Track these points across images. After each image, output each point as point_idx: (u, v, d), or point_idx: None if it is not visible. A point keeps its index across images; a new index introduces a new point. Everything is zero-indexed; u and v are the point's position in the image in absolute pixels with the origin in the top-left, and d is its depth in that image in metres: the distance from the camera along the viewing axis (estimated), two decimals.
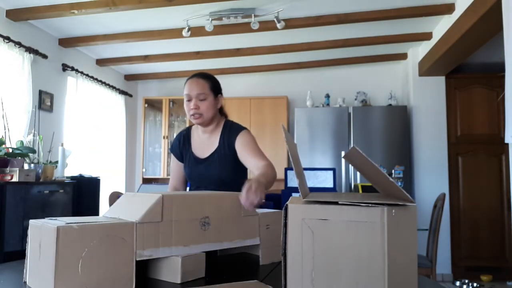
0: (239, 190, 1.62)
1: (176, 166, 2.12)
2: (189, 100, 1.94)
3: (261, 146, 2.10)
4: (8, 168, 2.93)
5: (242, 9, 3.53)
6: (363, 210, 0.73)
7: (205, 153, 2.03)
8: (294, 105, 5.45)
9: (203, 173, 2.01)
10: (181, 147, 2.09)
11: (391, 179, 0.78)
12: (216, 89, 1.99)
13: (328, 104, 5.12)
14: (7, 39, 3.39)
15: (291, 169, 3.19)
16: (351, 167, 4.71)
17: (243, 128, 2.04)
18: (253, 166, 1.92)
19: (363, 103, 5.08)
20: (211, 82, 1.97)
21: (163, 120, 5.56)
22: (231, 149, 1.98)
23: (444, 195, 3.55)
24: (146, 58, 4.80)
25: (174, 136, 5.67)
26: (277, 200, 3.49)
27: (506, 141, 2.44)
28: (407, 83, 5.08)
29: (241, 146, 1.97)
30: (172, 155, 2.14)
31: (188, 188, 2.19)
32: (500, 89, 4.53)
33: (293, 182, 3.39)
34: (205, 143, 2.05)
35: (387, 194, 0.89)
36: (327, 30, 4.11)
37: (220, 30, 3.88)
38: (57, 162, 3.49)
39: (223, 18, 3.61)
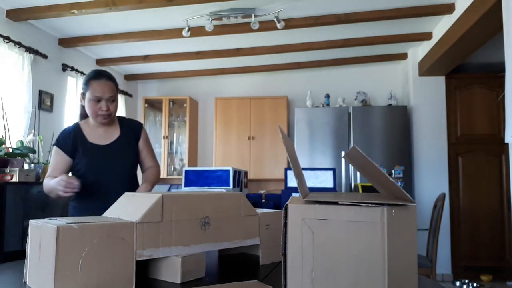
0: (135, 177, 2.14)
1: (63, 161, 2.00)
2: (98, 101, 1.96)
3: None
4: (8, 168, 2.93)
5: (242, 9, 3.53)
6: (363, 210, 0.73)
7: (105, 142, 2.05)
8: (294, 105, 5.45)
9: (104, 160, 2.01)
10: (73, 141, 2.01)
11: (391, 179, 0.78)
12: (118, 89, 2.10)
13: (328, 104, 5.12)
14: (7, 39, 3.39)
15: (291, 169, 3.20)
16: (351, 167, 4.71)
17: (141, 123, 2.21)
18: (147, 165, 2.16)
19: (363, 103, 5.08)
20: (116, 84, 2.06)
21: (163, 120, 5.56)
22: (136, 137, 2.10)
23: (444, 195, 3.55)
24: (146, 58, 4.80)
25: (176, 137, 5.65)
26: (277, 200, 3.50)
27: (506, 141, 2.44)
28: (407, 83, 5.08)
29: (144, 143, 2.13)
30: (57, 150, 2.01)
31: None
32: (500, 89, 4.53)
33: (293, 182, 3.39)
34: (102, 135, 2.06)
35: (387, 194, 0.89)
36: (327, 30, 4.12)
37: (220, 30, 3.88)
38: None
39: (223, 18, 3.61)
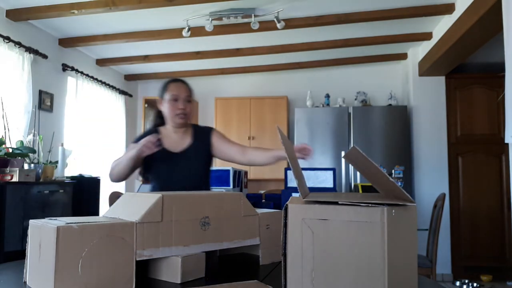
0: (207, 184, 2.16)
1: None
2: (176, 100, 2.06)
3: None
4: (8, 168, 2.92)
5: (242, 9, 3.53)
6: (363, 210, 0.73)
7: (178, 148, 2.08)
8: (294, 105, 5.45)
9: (174, 167, 2.05)
10: None
11: (391, 179, 0.78)
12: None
13: (328, 104, 5.12)
14: (7, 39, 3.39)
15: (291, 169, 3.19)
16: (351, 167, 4.71)
17: (212, 127, 2.25)
18: (236, 150, 2.12)
19: (363, 103, 5.08)
20: (190, 88, 2.17)
21: None
22: (206, 144, 2.12)
23: (444, 195, 3.55)
24: (146, 58, 4.79)
25: None
26: (277, 200, 3.49)
27: (506, 141, 2.44)
28: (407, 83, 5.08)
29: (218, 139, 2.15)
30: (133, 145, 2.01)
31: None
32: (500, 89, 4.53)
33: (293, 182, 3.38)
34: (176, 141, 2.12)
35: (387, 194, 0.89)
36: (327, 30, 4.11)
37: (220, 30, 3.88)
38: (57, 162, 3.49)
39: (223, 18, 3.61)
